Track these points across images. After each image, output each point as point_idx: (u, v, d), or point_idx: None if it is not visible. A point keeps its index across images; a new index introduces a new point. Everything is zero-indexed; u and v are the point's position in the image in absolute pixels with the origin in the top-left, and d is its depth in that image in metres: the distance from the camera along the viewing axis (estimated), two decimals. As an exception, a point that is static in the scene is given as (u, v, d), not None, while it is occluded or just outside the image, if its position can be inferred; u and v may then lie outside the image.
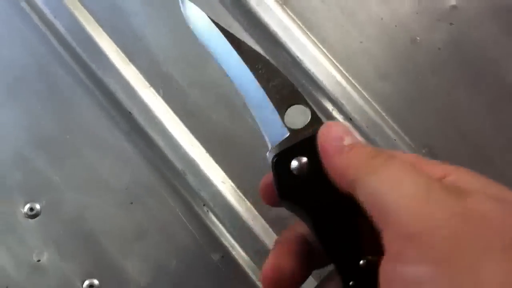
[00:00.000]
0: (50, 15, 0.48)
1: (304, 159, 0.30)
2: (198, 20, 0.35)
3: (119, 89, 0.47)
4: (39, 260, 0.45)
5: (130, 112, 0.46)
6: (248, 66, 0.33)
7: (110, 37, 0.48)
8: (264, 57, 0.33)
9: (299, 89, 0.32)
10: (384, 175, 0.26)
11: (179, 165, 0.46)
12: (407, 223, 0.24)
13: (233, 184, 0.46)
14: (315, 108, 0.31)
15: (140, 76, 0.47)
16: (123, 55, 0.47)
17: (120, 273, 0.45)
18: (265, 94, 0.32)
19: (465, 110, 0.47)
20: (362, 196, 0.26)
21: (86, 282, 0.45)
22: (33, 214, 0.45)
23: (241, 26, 0.48)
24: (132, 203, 0.46)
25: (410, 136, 0.47)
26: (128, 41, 0.47)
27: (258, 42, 0.48)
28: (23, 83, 0.47)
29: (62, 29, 0.47)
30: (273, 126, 0.31)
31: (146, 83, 0.47)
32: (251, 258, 0.46)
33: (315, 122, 0.31)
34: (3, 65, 0.47)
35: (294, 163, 0.30)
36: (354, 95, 0.47)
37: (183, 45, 0.48)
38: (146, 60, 0.47)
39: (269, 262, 0.30)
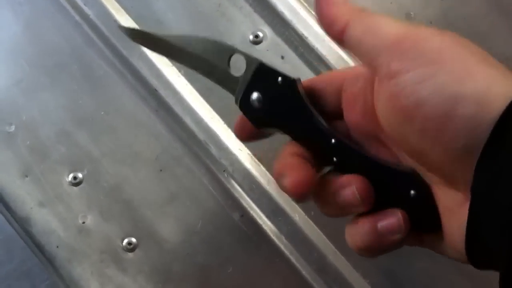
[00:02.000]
0: (81, 4, 0.52)
1: (256, 94, 0.34)
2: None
3: (146, 69, 0.51)
4: (83, 222, 0.51)
5: (156, 90, 0.51)
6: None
7: (135, 22, 0.52)
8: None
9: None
10: (375, 18, 0.30)
11: (201, 136, 0.51)
12: (399, 40, 0.28)
13: (249, 152, 0.51)
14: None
15: (163, 57, 0.51)
16: (147, 38, 0.52)
17: (154, 232, 0.50)
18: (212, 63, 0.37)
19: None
20: (354, 37, 0.30)
21: (125, 240, 0.50)
22: (76, 182, 0.51)
23: (252, 8, 0.52)
24: (161, 170, 0.51)
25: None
26: (151, 25, 0.52)
27: (267, 22, 0.52)
28: (62, 68, 0.52)
29: (93, 17, 0.52)
30: (228, 82, 0.37)
31: (169, 62, 0.51)
32: (267, 216, 0.50)
33: (252, 62, 0.35)
34: (44, 52, 0.52)
35: (252, 99, 0.35)
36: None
37: (201, 28, 0.52)
38: (168, 42, 0.52)
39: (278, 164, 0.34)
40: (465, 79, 0.26)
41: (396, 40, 0.28)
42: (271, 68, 0.35)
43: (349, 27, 0.30)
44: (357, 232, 0.32)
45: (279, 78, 0.35)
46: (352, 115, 0.33)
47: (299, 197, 0.32)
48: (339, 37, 0.31)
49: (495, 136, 0.25)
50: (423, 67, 0.27)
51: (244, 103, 0.35)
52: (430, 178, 0.30)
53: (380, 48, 0.29)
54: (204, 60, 0.37)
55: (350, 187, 0.31)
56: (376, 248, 0.32)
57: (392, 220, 0.31)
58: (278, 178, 0.33)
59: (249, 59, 0.36)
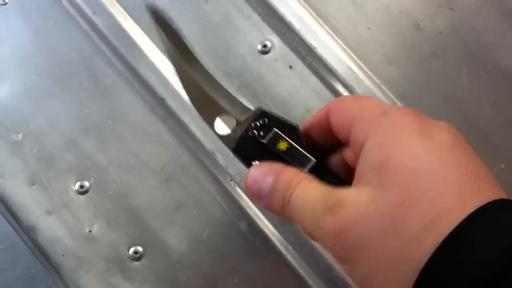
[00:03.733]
0: (89, 13, 0.52)
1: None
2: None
3: (153, 78, 0.51)
4: (90, 231, 0.50)
5: (163, 99, 0.51)
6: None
7: (144, 31, 0.52)
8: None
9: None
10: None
11: (208, 146, 0.51)
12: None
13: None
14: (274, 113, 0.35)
15: (171, 66, 0.51)
16: (155, 47, 0.52)
17: (161, 241, 0.50)
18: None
19: (466, 93, 0.50)
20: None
21: (132, 249, 0.50)
22: (83, 191, 0.51)
23: (260, 17, 0.52)
24: (168, 179, 0.51)
25: (415, 115, 0.50)
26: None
27: (275, 31, 0.52)
28: (70, 76, 0.52)
29: (101, 26, 0.52)
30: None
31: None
32: (274, 226, 0.50)
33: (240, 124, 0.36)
34: (53, 61, 0.52)
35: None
36: (364, 78, 0.50)
37: (209, 39, 0.52)
38: (176, 51, 0.52)
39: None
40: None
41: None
42: (272, 114, 0.35)
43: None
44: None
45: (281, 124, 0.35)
46: None
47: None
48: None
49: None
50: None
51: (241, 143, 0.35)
52: None
53: None
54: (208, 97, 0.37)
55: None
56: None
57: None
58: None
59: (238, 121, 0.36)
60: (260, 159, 0.34)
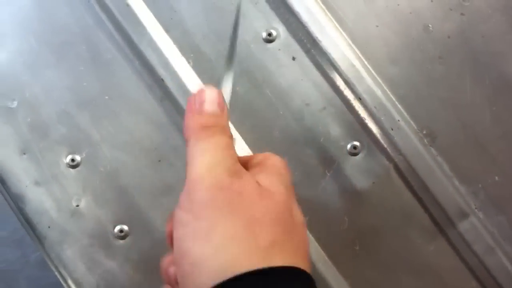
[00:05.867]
0: (94, -15, 0.51)
1: None
2: None
3: (154, 57, 0.50)
4: (77, 206, 0.51)
5: (162, 79, 0.51)
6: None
7: (149, 8, 0.51)
8: None
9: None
10: (200, 145, 0.34)
11: (203, 130, 0.50)
12: (190, 181, 0.33)
13: (250, 151, 0.51)
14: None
15: (173, 46, 0.51)
16: (159, 25, 0.51)
17: (147, 222, 0.51)
18: None
19: (467, 100, 0.50)
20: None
21: (117, 227, 0.50)
22: (74, 165, 0.50)
23: (268, 4, 0.51)
24: (160, 161, 0.51)
25: (414, 118, 0.50)
26: (164, 13, 0.51)
27: (282, 20, 0.51)
28: (69, 47, 0.51)
29: (105, -1, 0.51)
30: None
31: (179, 53, 0.51)
32: None
33: None
34: (52, 30, 0.51)
35: None
36: (366, 77, 0.50)
37: (214, 21, 0.51)
38: (180, 31, 0.51)
39: None
40: (192, 242, 0.31)
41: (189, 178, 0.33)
42: None
43: (187, 145, 0.35)
44: None
45: None
46: None
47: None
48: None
49: None
50: (185, 211, 0.33)
51: None
52: None
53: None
54: None
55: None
56: None
57: None
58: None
59: None
60: None
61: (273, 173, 0.35)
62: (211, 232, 0.30)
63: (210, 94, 0.35)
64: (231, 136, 0.35)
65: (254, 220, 0.31)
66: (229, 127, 0.36)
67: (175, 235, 0.32)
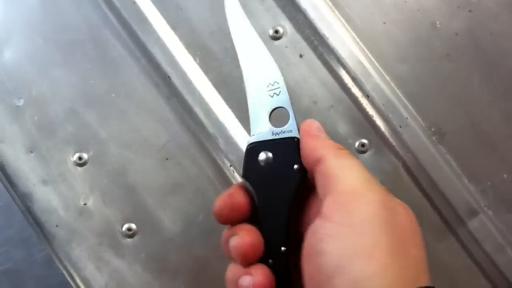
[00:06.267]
0: (101, -16, 0.51)
1: (270, 154, 0.37)
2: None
3: (161, 55, 0.50)
4: (85, 204, 0.50)
5: (169, 77, 0.50)
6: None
7: (155, 6, 0.51)
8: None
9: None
10: (344, 161, 0.34)
11: (210, 129, 0.50)
12: (343, 193, 0.32)
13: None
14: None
15: (180, 44, 0.51)
16: (165, 23, 0.51)
17: (155, 221, 0.50)
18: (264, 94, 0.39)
19: (476, 98, 0.50)
20: (321, 171, 0.34)
21: (125, 226, 0.50)
22: (81, 163, 0.50)
23: (274, 1, 0.51)
24: (167, 159, 0.51)
25: (422, 116, 0.50)
26: (171, 10, 0.51)
27: (288, 17, 0.51)
28: (76, 45, 0.51)
29: (112, -3, 0.51)
30: (259, 119, 0.38)
31: (185, 50, 0.51)
32: None
33: (291, 128, 0.37)
34: (60, 28, 0.51)
35: (262, 155, 0.37)
36: (374, 74, 0.50)
37: (221, 19, 0.50)
38: (186, 29, 0.51)
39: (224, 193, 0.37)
40: (352, 259, 0.29)
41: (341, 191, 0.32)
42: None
43: (320, 163, 0.34)
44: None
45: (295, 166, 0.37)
46: None
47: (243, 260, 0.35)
48: (312, 166, 0.35)
49: None
50: (339, 224, 0.31)
51: (252, 151, 0.38)
52: None
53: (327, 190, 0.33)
54: None
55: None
56: None
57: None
58: (229, 236, 0.36)
59: (292, 124, 0.38)
60: None
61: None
62: (375, 249, 0.29)
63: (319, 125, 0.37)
64: None
65: (405, 237, 0.31)
66: None
67: (319, 248, 0.31)
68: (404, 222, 0.32)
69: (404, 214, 0.32)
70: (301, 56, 0.51)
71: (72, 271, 0.50)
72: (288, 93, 0.39)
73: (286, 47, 0.51)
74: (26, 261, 0.50)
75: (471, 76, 0.50)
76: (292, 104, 0.38)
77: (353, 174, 0.33)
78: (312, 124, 0.37)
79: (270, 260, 0.35)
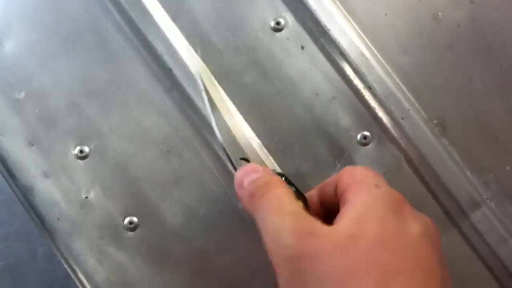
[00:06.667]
0: (101, -25, 0.51)
1: None
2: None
3: (162, 47, 0.50)
4: (87, 197, 0.50)
5: (170, 69, 0.50)
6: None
7: (156, -2, 0.51)
8: None
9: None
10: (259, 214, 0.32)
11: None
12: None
13: (259, 141, 0.50)
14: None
15: (181, 36, 0.50)
16: (167, 15, 0.50)
17: (157, 214, 0.50)
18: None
19: (479, 89, 0.49)
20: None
21: (127, 219, 0.50)
22: (82, 156, 0.50)
23: (275, -7, 0.51)
24: (169, 152, 0.50)
25: (424, 108, 0.49)
26: (172, 2, 0.50)
27: (290, 9, 0.50)
28: (77, 37, 0.51)
29: (111, -12, 0.51)
30: None
31: (186, 42, 0.50)
32: None
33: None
34: (61, 20, 0.51)
35: None
36: (376, 66, 0.49)
37: (222, 10, 0.50)
38: (188, 21, 0.50)
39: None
40: None
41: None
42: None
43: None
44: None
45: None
46: None
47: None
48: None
49: None
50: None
51: None
52: None
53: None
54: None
55: None
56: None
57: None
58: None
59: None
60: None
61: (361, 198, 0.31)
62: None
63: (245, 170, 0.37)
64: (281, 185, 0.34)
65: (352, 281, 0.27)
66: (272, 179, 0.35)
67: None
68: (341, 263, 0.28)
69: (338, 251, 0.29)
70: (302, 47, 0.51)
71: (73, 264, 0.50)
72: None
73: (288, 38, 0.51)
74: (27, 255, 0.50)
75: (474, 68, 0.49)
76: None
77: (264, 227, 0.31)
78: (238, 179, 0.37)
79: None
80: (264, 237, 0.30)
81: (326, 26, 0.50)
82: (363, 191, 0.31)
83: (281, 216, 0.30)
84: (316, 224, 0.29)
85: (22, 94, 0.51)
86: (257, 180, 0.34)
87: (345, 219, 0.29)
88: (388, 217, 0.29)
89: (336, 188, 0.35)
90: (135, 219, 0.50)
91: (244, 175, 0.36)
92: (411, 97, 0.50)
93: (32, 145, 0.50)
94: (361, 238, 0.28)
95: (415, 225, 0.30)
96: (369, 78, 0.50)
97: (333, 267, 0.27)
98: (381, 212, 0.29)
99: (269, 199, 0.32)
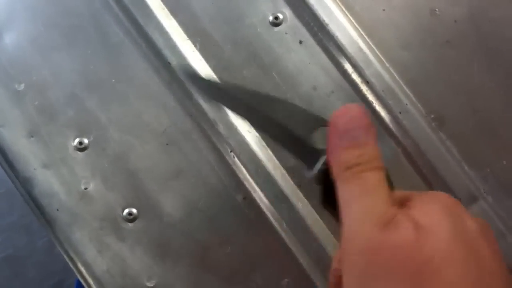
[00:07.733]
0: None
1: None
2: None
3: (161, 40, 0.50)
4: (86, 189, 0.51)
5: (169, 63, 0.51)
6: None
7: (154, -8, 0.51)
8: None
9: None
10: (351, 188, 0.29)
11: (211, 114, 0.50)
12: (343, 238, 0.28)
13: (257, 134, 0.50)
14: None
15: (180, 30, 0.51)
16: (166, 9, 0.51)
17: (156, 205, 0.50)
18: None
19: (476, 84, 0.50)
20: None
21: (126, 211, 0.50)
22: (82, 148, 0.50)
23: (275, -12, 0.51)
24: (168, 144, 0.51)
25: (422, 103, 0.50)
26: (171, -3, 0.51)
27: (288, 3, 0.51)
28: (77, 30, 0.51)
29: (113, -17, 0.51)
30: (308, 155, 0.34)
31: (185, 36, 0.51)
32: (270, 201, 0.50)
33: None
34: (61, 13, 0.51)
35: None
36: (374, 61, 0.50)
37: (221, 4, 0.51)
38: (187, 15, 0.51)
39: None
40: None
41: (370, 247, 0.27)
42: None
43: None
44: None
45: None
46: None
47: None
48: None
49: None
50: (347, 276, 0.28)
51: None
52: None
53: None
54: (285, 129, 0.33)
55: None
56: None
57: None
58: None
59: None
60: None
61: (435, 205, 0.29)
62: None
63: (351, 117, 0.30)
64: (380, 167, 0.30)
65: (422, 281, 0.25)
66: (378, 154, 0.30)
67: None
68: (417, 257, 0.27)
69: (415, 246, 0.27)
70: (300, 42, 0.51)
71: (73, 255, 0.50)
72: None
73: (286, 33, 0.51)
74: (27, 247, 0.50)
75: (471, 63, 0.50)
76: None
77: (350, 210, 0.29)
78: (340, 122, 0.31)
79: None
80: (345, 218, 0.28)
81: (324, 21, 0.50)
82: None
83: (376, 202, 0.28)
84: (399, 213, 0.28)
85: (22, 86, 0.51)
86: (364, 155, 0.30)
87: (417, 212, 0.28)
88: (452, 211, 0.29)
89: None
90: (134, 210, 0.50)
91: (349, 123, 0.31)
92: (409, 92, 0.50)
93: (32, 136, 0.51)
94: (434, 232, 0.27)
95: (471, 222, 0.29)
96: (367, 72, 0.50)
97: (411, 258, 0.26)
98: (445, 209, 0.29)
99: (369, 178, 0.29)
